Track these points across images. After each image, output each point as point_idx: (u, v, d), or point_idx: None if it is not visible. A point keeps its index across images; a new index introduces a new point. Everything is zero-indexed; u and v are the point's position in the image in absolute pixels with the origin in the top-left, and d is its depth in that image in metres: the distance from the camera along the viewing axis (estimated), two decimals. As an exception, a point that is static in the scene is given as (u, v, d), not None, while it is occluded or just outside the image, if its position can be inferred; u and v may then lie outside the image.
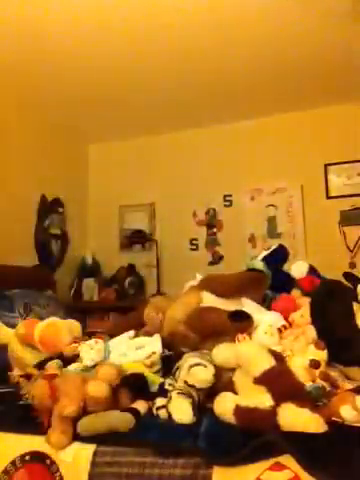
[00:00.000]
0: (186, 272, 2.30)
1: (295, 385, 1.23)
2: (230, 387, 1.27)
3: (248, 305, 1.67)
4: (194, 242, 4.10)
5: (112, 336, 1.73)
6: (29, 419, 1.34)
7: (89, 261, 4.10)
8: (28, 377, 1.50)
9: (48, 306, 2.82)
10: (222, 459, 1.12)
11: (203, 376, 1.30)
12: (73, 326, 1.87)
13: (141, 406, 1.34)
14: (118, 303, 3.90)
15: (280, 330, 1.54)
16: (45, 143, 3.69)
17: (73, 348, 1.68)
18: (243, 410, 1.17)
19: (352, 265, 3.51)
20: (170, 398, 1.29)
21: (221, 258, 3.98)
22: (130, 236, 4.14)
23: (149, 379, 1.45)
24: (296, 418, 1.12)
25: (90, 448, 1.24)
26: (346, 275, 1.91)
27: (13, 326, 1.90)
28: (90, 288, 4.01)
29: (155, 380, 1.46)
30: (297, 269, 1.98)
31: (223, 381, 1.33)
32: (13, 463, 1.29)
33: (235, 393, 1.25)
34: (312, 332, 1.51)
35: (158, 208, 4.19)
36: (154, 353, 1.56)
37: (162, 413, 1.28)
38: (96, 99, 3.29)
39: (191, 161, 4.06)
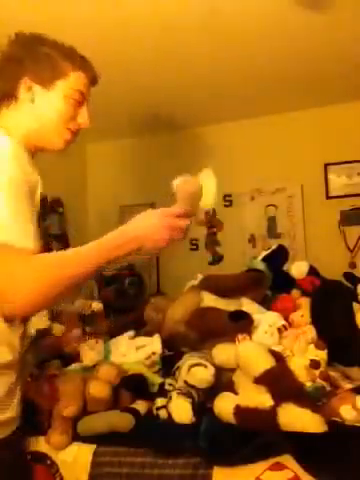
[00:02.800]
0: (186, 272, 2.30)
1: (295, 385, 1.23)
2: (230, 387, 1.27)
3: (248, 305, 1.67)
4: (194, 242, 4.10)
5: (112, 336, 1.73)
6: (29, 419, 1.34)
7: (89, 261, 4.09)
8: (28, 377, 1.50)
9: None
10: (222, 459, 1.13)
11: (203, 376, 1.31)
12: (73, 326, 1.87)
13: (141, 406, 1.34)
14: (118, 303, 3.90)
15: (280, 330, 1.54)
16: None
17: (73, 348, 1.68)
18: (243, 410, 1.17)
19: (352, 265, 3.50)
20: (170, 398, 1.29)
21: (221, 258, 3.98)
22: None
23: (149, 379, 1.45)
24: (296, 418, 1.12)
25: (90, 448, 1.25)
26: (346, 275, 1.91)
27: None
28: (90, 288, 4.01)
29: (155, 380, 1.46)
30: (297, 269, 1.98)
31: (223, 381, 1.33)
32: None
33: (235, 393, 1.25)
34: (312, 332, 1.51)
35: (158, 208, 4.19)
36: (154, 353, 1.56)
37: (162, 413, 1.28)
38: (94, 98, 3.28)
39: (191, 161, 4.06)
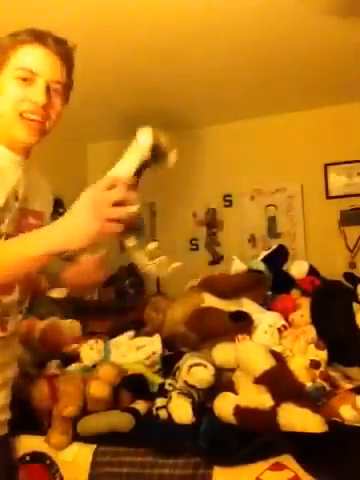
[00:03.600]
0: (186, 272, 2.30)
1: (295, 385, 1.23)
2: (230, 387, 1.27)
3: (248, 305, 1.67)
4: (194, 242, 4.10)
5: (112, 336, 1.73)
6: (29, 419, 1.34)
7: (89, 261, 4.09)
8: (28, 377, 1.50)
9: (48, 306, 2.82)
10: (222, 459, 1.13)
11: (203, 376, 1.30)
12: (73, 326, 1.87)
13: (141, 406, 1.34)
14: (118, 303, 3.90)
15: (280, 330, 1.54)
16: (44, 143, 3.67)
17: (73, 348, 1.68)
18: (243, 410, 1.17)
19: (352, 265, 3.51)
20: (170, 398, 1.29)
21: (221, 258, 3.98)
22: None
23: (149, 379, 1.45)
24: (296, 418, 1.12)
25: (90, 448, 1.25)
26: (346, 275, 1.91)
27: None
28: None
29: (155, 380, 1.46)
30: (297, 269, 1.98)
31: (223, 381, 1.33)
32: (13, 463, 1.29)
33: (235, 393, 1.25)
34: (312, 332, 1.51)
35: (158, 208, 4.20)
36: (154, 353, 1.56)
37: (162, 413, 1.28)
38: (95, 98, 3.29)
39: (191, 161, 4.06)
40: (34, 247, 0.92)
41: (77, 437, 1.28)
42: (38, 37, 1.10)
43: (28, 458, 1.28)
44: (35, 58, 1.09)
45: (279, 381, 1.19)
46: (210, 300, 1.69)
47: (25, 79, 1.08)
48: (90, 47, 2.69)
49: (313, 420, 1.11)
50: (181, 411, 1.25)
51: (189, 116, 3.82)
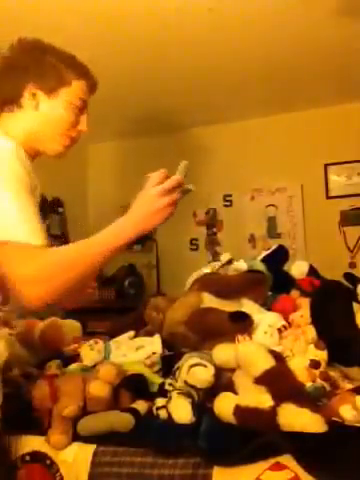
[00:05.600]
0: (186, 272, 2.30)
1: (295, 385, 1.23)
2: (230, 387, 1.27)
3: (248, 305, 1.67)
4: (194, 242, 4.10)
5: (112, 336, 1.73)
6: (29, 419, 1.34)
7: (89, 261, 4.09)
8: (28, 377, 1.50)
9: (48, 306, 2.83)
10: (222, 459, 1.13)
11: (203, 376, 1.30)
12: (73, 326, 1.87)
13: (141, 406, 1.34)
14: (118, 303, 3.90)
15: (280, 330, 1.54)
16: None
17: (73, 348, 1.68)
18: (243, 410, 1.17)
19: (352, 265, 3.51)
20: (170, 398, 1.29)
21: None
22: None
23: (149, 379, 1.45)
24: (296, 418, 1.12)
25: (90, 448, 1.25)
26: (346, 275, 1.91)
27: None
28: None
29: (155, 380, 1.46)
30: (297, 269, 1.98)
31: (223, 381, 1.33)
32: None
33: (235, 393, 1.25)
34: (312, 332, 1.51)
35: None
36: (154, 353, 1.56)
37: (162, 413, 1.28)
38: (95, 98, 3.29)
39: (191, 161, 4.05)
40: (120, 238, 1.16)
41: (77, 437, 1.28)
42: (90, 72, 1.29)
43: (28, 458, 1.28)
44: (87, 92, 1.29)
45: (279, 381, 1.19)
46: (210, 301, 1.69)
47: (79, 108, 1.25)
48: (90, 49, 2.70)
49: (313, 420, 1.11)
50: (181, 411, 1.25)
51: (189, 116, 3.82)
